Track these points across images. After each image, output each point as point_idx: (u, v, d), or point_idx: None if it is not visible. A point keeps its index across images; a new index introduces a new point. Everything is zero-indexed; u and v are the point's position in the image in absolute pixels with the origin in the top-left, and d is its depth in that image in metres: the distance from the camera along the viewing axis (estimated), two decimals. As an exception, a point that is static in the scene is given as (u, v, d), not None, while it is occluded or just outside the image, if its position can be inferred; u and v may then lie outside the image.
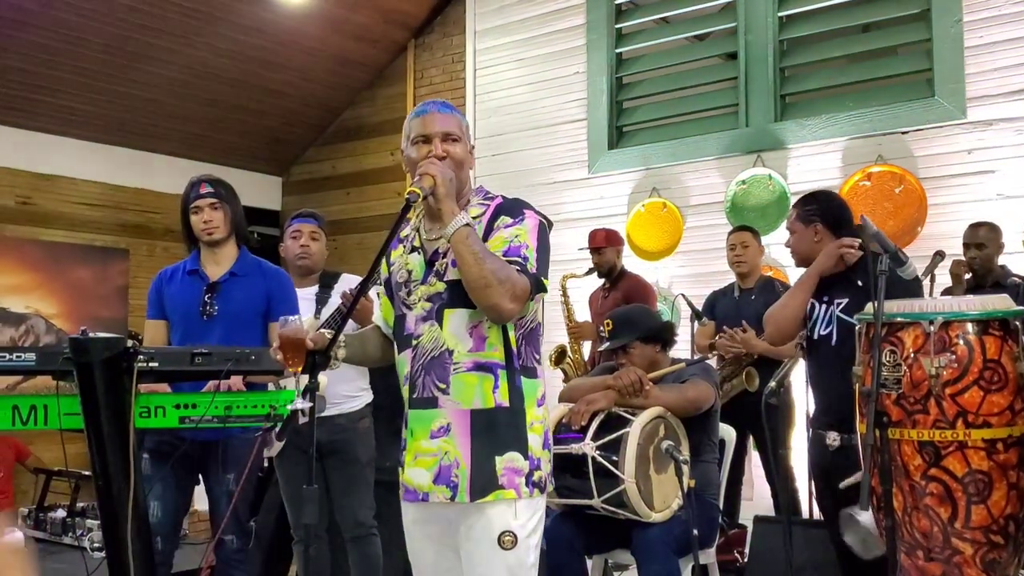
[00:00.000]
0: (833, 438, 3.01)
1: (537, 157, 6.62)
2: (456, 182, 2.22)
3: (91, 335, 2.71)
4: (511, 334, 2.23)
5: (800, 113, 5.71)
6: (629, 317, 3.92)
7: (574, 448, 3.52)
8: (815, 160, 5.53)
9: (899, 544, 2.59)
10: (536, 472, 2.21)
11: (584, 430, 3.56)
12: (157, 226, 7.40)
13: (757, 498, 4.59)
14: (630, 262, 5.93)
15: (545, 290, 2.21)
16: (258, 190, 7.92)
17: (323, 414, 3.55)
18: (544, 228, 2.26)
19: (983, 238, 4.50)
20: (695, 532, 3.13)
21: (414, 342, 2.27)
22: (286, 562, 4.54)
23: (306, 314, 3.68)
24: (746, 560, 4.08)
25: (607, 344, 3.81)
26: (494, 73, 6.92)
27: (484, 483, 2.17)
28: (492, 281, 2.08)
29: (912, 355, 2.54)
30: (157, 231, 7.40)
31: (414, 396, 2.27)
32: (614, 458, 3.40)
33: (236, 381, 3.07)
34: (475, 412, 2.20)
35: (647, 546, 3.40)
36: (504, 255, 2.16)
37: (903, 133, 5.26)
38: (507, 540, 2.14)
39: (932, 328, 2.50)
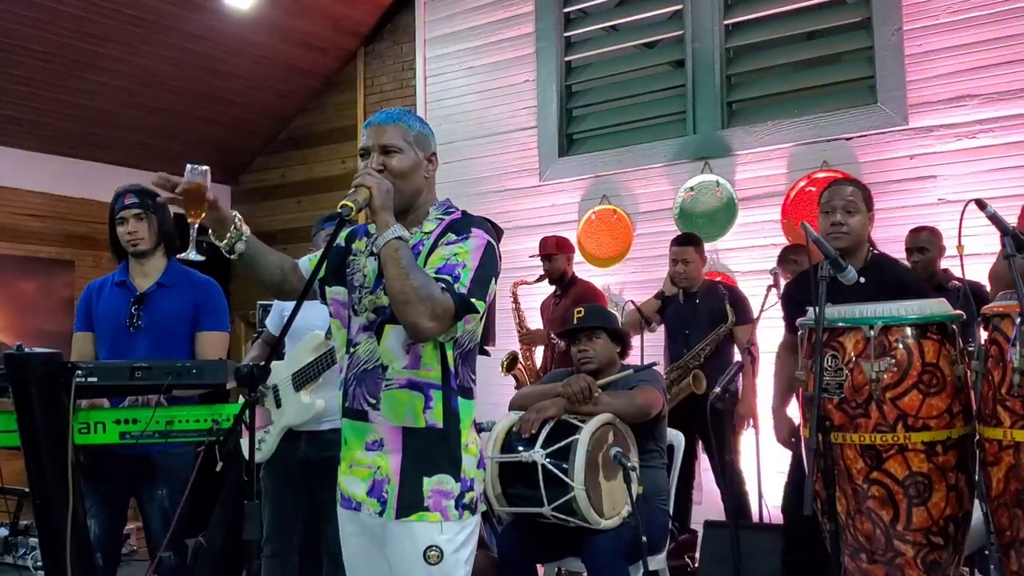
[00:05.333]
0: None
1: (488, 165, 6.62)
2: (401, 194, 2.19)
3: (27, 350, 2.65)
4: (449, 353, 2.20)
5: (746, 120, 5.77)
6: (601, 310, 3.99)
7: (524, 456, 3.52)
8: (762, 166, 5.60)
9: (843, 547, 2.62)
10: (468, 494, 2.20)
11: (534, 439, 3.57)
12: (103, 236, 7.17)
13: (707, 503, 4.62)
14: (581, 269, 5.96)
15: (476, 311, 2.13)
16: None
17: (317, 429, 3.52)
18: (491, 249, 2.21)
19: (924, 242, 4.58)
20: (643, 539, 3.14)
21: (352, 349, 2.25)
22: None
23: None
24: (696, 565, 4.11)
25: (573, 327, 3.81)
26: (444, 81, 6.91)
27: (410, 503, 2.16)
28: (412, 298, 2.02)
29: (853, 360, 2.57)
30: (103, 242, 7.14)
31: (347, 405, 2.27)
32: (564, 465, 3.41)
33: None
34: (407, 431, 2.19)
35: (597, 554, 3.41)
36: (437, 272, 2.12)
37: (847, 139, 5.34)
38: (432, 555, 2.13)
39: (872, 333, 2.53)
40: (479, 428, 3.01)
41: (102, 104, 6.79)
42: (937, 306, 2.65)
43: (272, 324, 3.85)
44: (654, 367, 3.87)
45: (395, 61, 7.22)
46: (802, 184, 5.37)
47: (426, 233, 2.25)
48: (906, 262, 4.48)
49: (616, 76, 6.38)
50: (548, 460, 3.45)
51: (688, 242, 5.03)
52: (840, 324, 2.61)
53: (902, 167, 5.15)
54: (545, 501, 3.44)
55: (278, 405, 3.55)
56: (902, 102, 5.15)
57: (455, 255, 2.15)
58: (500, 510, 3.72)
